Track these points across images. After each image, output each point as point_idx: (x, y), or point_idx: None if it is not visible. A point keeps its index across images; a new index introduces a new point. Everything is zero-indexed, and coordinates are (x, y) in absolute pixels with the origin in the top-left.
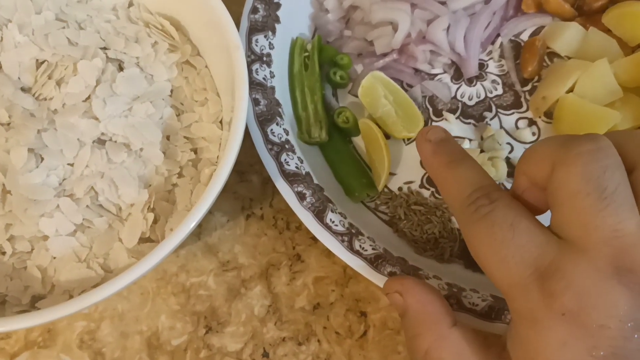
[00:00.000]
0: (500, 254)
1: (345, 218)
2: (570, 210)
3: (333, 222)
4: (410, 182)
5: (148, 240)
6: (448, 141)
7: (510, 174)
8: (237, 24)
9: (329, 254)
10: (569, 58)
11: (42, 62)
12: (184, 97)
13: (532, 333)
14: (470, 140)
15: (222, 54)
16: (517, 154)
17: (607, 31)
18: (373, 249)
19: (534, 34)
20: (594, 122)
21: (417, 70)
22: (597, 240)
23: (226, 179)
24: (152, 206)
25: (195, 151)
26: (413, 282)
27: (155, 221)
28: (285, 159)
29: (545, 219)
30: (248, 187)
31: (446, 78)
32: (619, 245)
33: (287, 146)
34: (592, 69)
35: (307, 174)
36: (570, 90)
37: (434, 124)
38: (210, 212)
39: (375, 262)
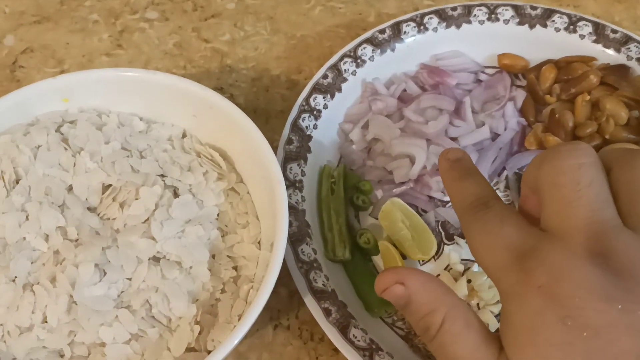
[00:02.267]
0: (490, 243)
1: (366, 334)
2: (549, 201)
3: (356, 337)
4: None
5: (192, 350)
6: (462, 160)
7: None
8: (275, 150)
9: None
10: None
11: (108, 186)
12: (229, 220)
13: (513, 307)
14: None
15: (262, 183)
16: None
17: None
18: None
19: None
20: None
21: (431, 198)
22: (572, 228)
23: (267, 298)
24: (198, 319)
25: (235, 268)
26: (407, 268)
27: (199, 332)
28: (313, 277)
29: None
30: (276, 298)
31: None
32: (592, 232)
33: (315, 264)
34: None
35: (333, 291)
36: None
37: (446, 247)
38: None
39: None
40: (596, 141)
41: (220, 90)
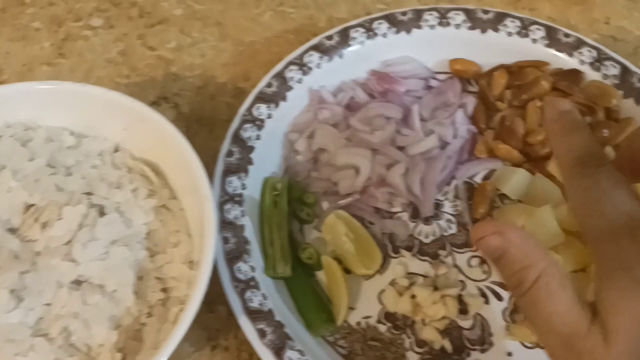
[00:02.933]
0: (599, 205)
1: (303, 355)
2: None
3: (291, 359)
4: (368, 317)
5: None
6: (572, 112)
7: (461, 311)
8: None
9: None
10: (519, 201)
11: (31, 205)
12: (159, 238)
13: (617, 274)
14: (425, 277)
15: (195, 199)
16: (468, 291)
17: (552, 177)
18: None
19: (487, 176)
20: None
21: (377, 209)
22: None
23: (191, 320)
24: (121, 346)
25: (165, 290)
26: (506, 223)
27: (123, 359)
28: (249, 296)
29: None
30: (215, 317)
31: (405, 216)
32: None
33: (252, 283)
34: (536, 215)
35: (270, 310)
36: None
37: (392, 260)
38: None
39: None
40: (548, 148)
41: (164, 99)
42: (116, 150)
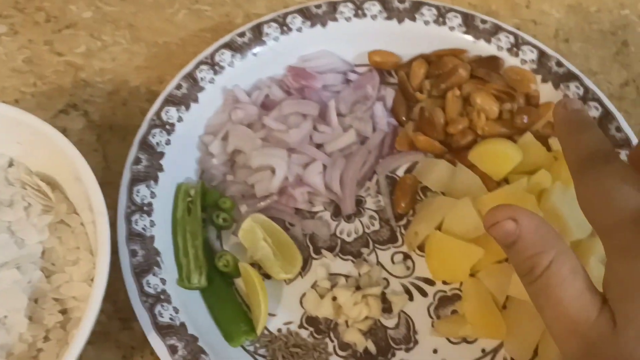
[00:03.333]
0: (606, 198)
1: None
2: None
3: None
4: (290, 323)
5: None
6: (581, 111)
7: (385, 310)
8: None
9: None
10: (442, 193)
11: None
12: (57, 257)
13: (624, 264)
14: (347, 277)
15: (91, 213)
16: (392, 288)
17: (474, 166)
18: None
19: (409, 169)
20: (460, 257)
21: (297, 210)
22: None
23: (85, 341)
24: None
25: (65, 311)
26: (521, 207)
27: None
28: (159, 311)
29: None
30: (130, 335)
31: (326, 215)
32: None
33: (162, 297)
34: (457, 207)
35: (182, 324)
36: (440, 226)
37: (314, 261)
38: None
39: None
40: (469, 137)
41: (73, 107)
42: (10, 165)
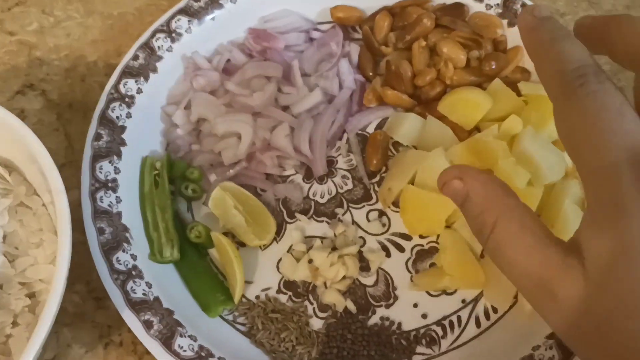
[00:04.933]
0: (602, 135)
1: (195, 341)
2: None
3: (182, 347)
4: (268, 289)
5: None
6: (552, 19)
7: (363, 268)
8: None
9: None
10: (414, 146)
11: None
12: (19, 241)
13: (614, 221)
14: (323, 239)
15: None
16: (369, 246)
17: (444, 117)
18: None
19: (380, 125)
20: (435, 210)
21: (268, 175)
22: None
23: (51, 322)
24: None
25: (32, 295)
26: (470, 167)
27: None
28: (131, 287)
29: None
30: (106, 313)
31: (298, 178)
32: None
33: (134, 272)
34: (429, 159)
35: (156, 298)
36: (413, 180)
37: (288, 226)
38: (67, 345)
39: None
40: (438, 88)
41: (30, 87)
42: None
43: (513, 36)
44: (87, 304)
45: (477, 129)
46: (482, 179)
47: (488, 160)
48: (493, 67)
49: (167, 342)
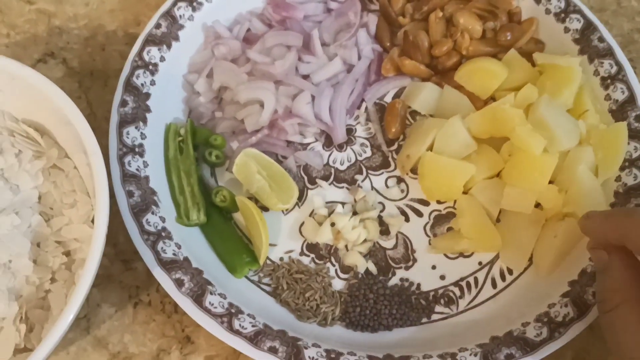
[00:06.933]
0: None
1: (225, 298)
2: None
3: (212, 304)
4: (291, 251)
5: (25, 350)
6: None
7: (382, 232)
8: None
9: None
10: (431, 115)
11: None
12: (53, 201)
13: None
14: (344, 204)
15: (84, 156)
16: (388, 212)
17: (461, 87)
18: (253, 325)
19: (397, 94)
20: (453, 176)
21: (289, 142)
22: None
23: (91, 280)
24: (24, 317)
25: (68, 253)
26: (619, 247)
27: (30, 329)
28: (162, 247)
29: None
30: (133, 275)
31: (318, 146)
32: None
33: (163, 234)
34: (446, 126)
35: (186, 258)
36: (431, 147)
37: (309, 191)
38: (97, 305)
39: (254, 339)
40: (454, 59)
41: (50, 55)
42: None
43: (527, 7)
44: (114, 265)
45: (492, 98)
46: (626, 260)
47: (505, 128)
48: (508, 37)
49: (198, 299)
